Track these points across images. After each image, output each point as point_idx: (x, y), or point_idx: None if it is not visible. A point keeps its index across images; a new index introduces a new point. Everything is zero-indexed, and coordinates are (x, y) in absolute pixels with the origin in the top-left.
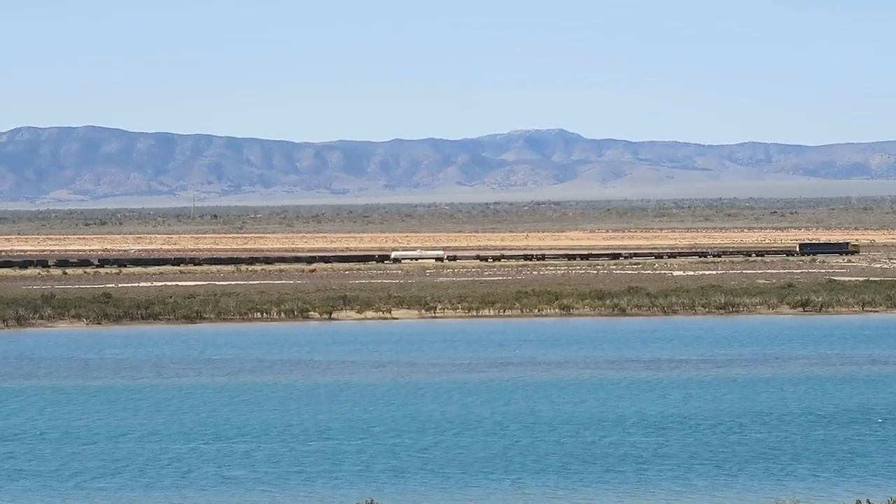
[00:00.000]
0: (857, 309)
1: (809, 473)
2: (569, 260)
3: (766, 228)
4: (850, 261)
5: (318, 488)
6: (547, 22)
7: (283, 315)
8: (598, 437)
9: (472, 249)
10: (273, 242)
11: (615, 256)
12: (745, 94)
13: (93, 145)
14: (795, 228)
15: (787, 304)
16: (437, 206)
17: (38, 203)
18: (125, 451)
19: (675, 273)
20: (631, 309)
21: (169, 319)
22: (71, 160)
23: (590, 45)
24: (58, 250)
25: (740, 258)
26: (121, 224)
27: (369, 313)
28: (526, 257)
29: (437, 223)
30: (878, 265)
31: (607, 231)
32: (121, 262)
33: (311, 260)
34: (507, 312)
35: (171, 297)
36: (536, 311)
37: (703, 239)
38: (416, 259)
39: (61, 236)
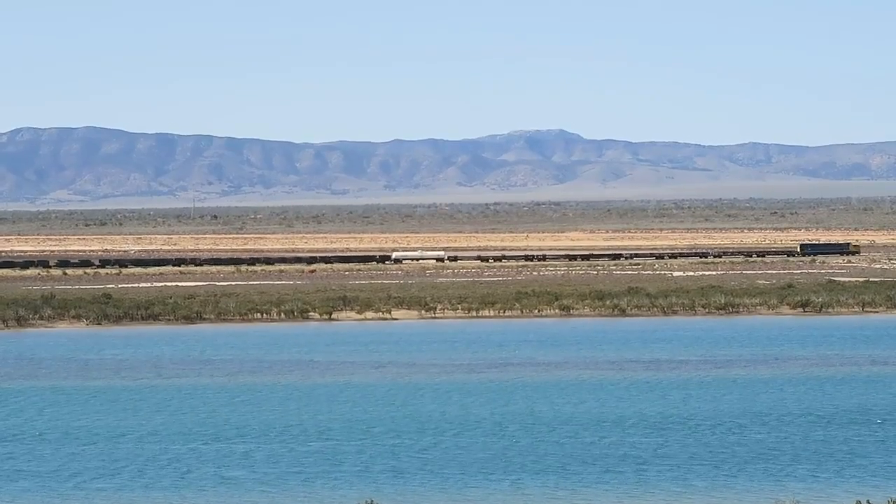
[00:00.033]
0: (857, 309)
1: (809, 474)
2: (569, 260)
3: (766, 229)
4: (850, 261)
5: (318, 489)
6: (547, 22)
7: (282, 316)
8: (598, 437)
9: (473, 250)
10: (273, 243)
11: (616, 257)
12: (745, 95)
13: (93, 146)
14: (795, 229)
15: (787, 304)
16: (437, 207)
17: (38, 203)
18: (124, 452)
19: (675, 273)
20: (631, 309)
21: (169, 320)
22: (71, 161)
23: (590, 46)
24: (58, 251)
25: (740, 259)
26: (121, 225)
27: (369, 314)
28: (527, 258)
29: (437, 224)
30: (878, 266)
31: (607, 231)
32: (122, 263)
33: (311, 260)
34: (507, 313)
35: (171, 298)
36: (536, 311)
37: (703, 239)
38: (417, 260)
39: (61, 237)
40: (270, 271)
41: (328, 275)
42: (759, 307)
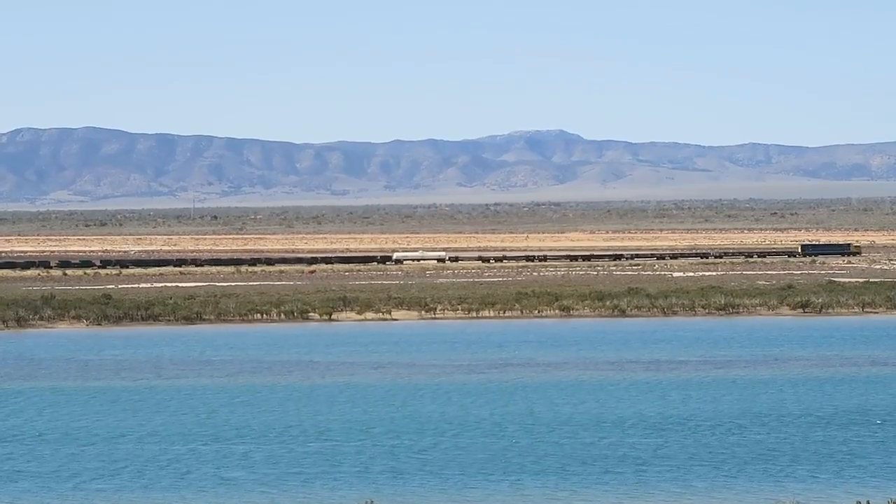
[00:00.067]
0: (856, 310)
1: (809, 475)
2: (570, 261)
3: (766, 230)
4: (850, 262)
5: (317, 489)
6: (547, 22)
7: (282, 316)
8: (598, 438)
9: (473, 251)
10: (273, 243)
11: (617, 257)
12: (745, 95)
13: (93, 146)
14: (795, 229)
15: (787, 305)
16: (437, 207)
17: (38, 204)
18: (124, 453)
19: (675, 274)
20: (631, 310)
21: (169, 320)
22: (71, 161)
23: (590, 46)
24: (58, 251)
25: (741, 259)
26: (121, 225)
27: (369, 314)
28: (527, 258)
29: (437, 224)
30: (878, 266)
31: (607, 232)
32: (123, 264)
33: (313, 261)
34: (507, 313)
35: (171, 299)
36: (536, 312)
37: (703, 240)
38: (418, 260)
39: (61, 237)
40: (270, 272)
41: (328, 275)
42: (759, 308)
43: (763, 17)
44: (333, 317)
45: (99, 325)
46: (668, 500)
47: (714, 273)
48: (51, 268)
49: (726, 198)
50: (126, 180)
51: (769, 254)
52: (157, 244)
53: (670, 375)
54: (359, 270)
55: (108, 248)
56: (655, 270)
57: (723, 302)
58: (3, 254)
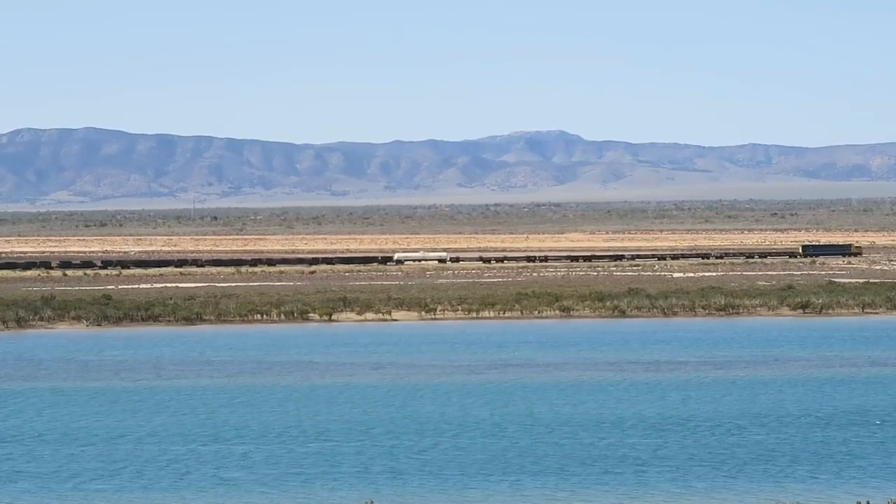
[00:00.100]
0: (856, 311)
1: (808, 475)
2: (570, 261)
3: (767, 230)
4: (850, 263)
5: (317, 490)
6: (547, 23)
7: (282, 317)
8: (597, 438)
9: (473, 251)
10: (273, 244)
11: (617, 258)
12: (745, 96)
13: (93, 147)
14: (795, 230)
15: (787, 305)
16: (437, 208)
17: (38, 204)
18: (124, 453)
19: (676, 275)
20: (631, 310)
21: (169, 321)
22: (71, 162)
23: (590, 46)
24: (58, 252)
25: (741, 260)
26: (121, 226)
27: (369, 315)
28: (528, 259)
29: (437, 225)
30: (878, 267)
31: (607, 233)
32: (123, 264)
33: (313, 262)
34: (507, 314)
35: (171, 299)
36: (536, 312)
37: (704, 241)
38: (419, 261)
39: (61, 238)
40: (270, 272)
41: (328, 276)
42: (759, 308)
43: (763, 17)
44: (333, 317)
45: (99, 325)
46: (668, 500)
47: (714, 274)
48: (51, 268)
49: (726, 198)
50: (126, 181)
51: (769, 254)
52: (157, 245)
53: (670, 376)
54: (359, 271)
55: (108, 248)
56: (655, 271)
57: (723, 302)
58: (3, 254)
